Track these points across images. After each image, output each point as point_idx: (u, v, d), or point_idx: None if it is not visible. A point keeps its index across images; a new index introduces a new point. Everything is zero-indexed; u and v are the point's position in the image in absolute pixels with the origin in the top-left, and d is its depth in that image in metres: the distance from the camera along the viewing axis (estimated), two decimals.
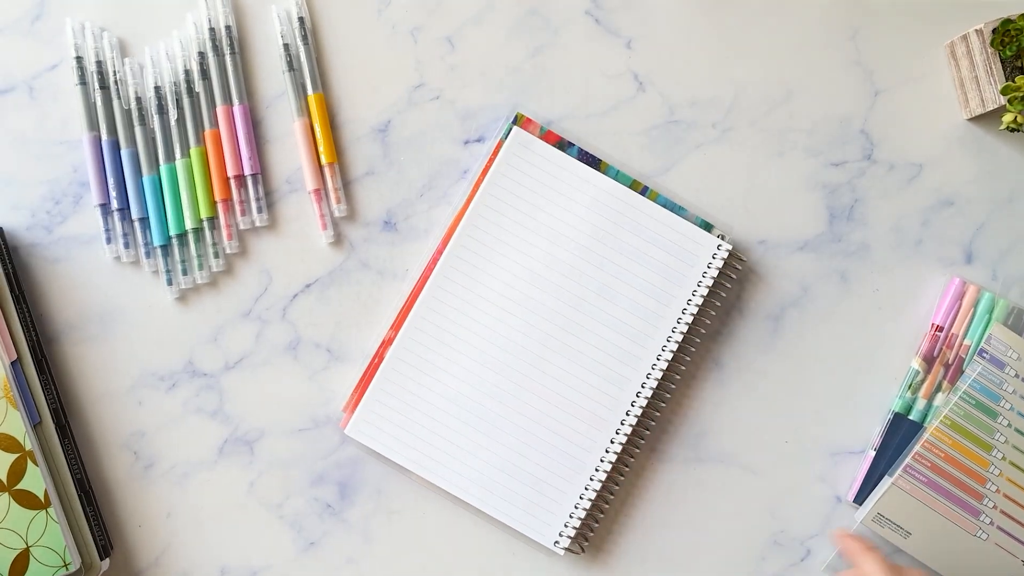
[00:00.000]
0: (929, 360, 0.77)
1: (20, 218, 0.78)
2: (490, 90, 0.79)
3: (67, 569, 0.71)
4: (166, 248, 0.78)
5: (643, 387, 0.77)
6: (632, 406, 0.77)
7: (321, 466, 0.78)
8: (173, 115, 0.78)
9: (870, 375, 0.79)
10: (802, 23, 0.80)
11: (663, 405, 0.78)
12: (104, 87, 0.78)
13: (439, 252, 0.78)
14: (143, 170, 0.78)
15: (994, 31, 0.74)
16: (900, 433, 0.77)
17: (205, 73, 0.78)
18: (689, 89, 0.80)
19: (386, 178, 0.79)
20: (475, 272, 0.77)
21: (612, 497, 0.78)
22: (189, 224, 0.78)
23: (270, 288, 0.79)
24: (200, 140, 0.78)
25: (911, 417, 0.77)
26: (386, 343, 0.77)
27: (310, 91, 0.78)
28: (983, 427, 0.75)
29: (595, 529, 0.78)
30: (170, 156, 0.78)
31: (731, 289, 0.79)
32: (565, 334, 0.77)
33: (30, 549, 0.71)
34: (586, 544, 0.78)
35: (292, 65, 0.79)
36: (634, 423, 0.77)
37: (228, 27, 0.78)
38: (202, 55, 0.78)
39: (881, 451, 0.77)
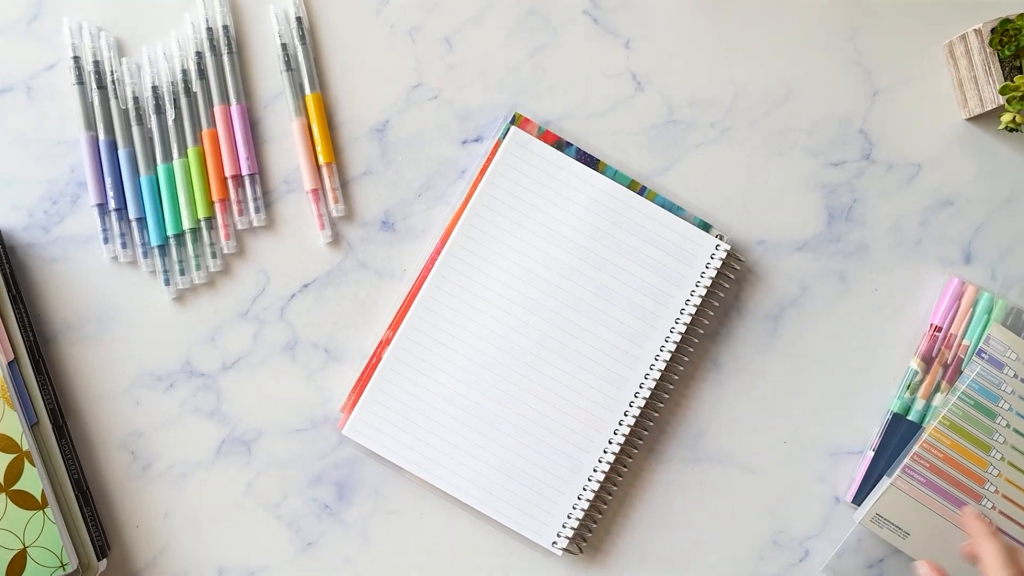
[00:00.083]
0: (928, 360, 0.77)
1: (18, 218, 0.78)
2: (488, 90, 0.79)
3: (64, 570, 0.71)
4: (164, 248, 0.78)
5: (641, 387, 0.77)
6: (630, 406, 0.77)
7: (319, 466, 0.78)
8: (171, 115, 0.78)
9: (869, 375, 0.79)
10: (802, 23, 0.80)
11: (661, 405, 0.78)
12: (102, 87, 0.78)
13: (437, 252, 0.78)
14: (141, 170, 0.78)
15: (993, 31, 0.74)
16: (899, 433, 0.77)
17: (203, 73, 0.78)
18: (688, 89, 0.80)
19: (384, 178, 0.79)
20: (473, 272, 0.77)
21: (610, 497, 0.78)
22: (187, 224, 0.78)
23: (268, 288, 0.79)
24: (198, 140, 0.78)
25: (910, 417, 0.77)
26: (384, 343, 0.77)
27: (308, 91, 0.78)
28: (982, 428, 0.75)
29: (593, 529, 0.78)
30: (168, 156, 0.78)
31: (729, 289, 0.79)
32: (563, 334, 0.77)
33: (27, 550, 0.71)
34: (584, 544, 0.78)
35: (290, 65, 0.78)
36: (632, 423, 0.77)
37: (226, 27, 0.78)
38: (200, 55, 0.78)
39: (880, 451, 0.77)
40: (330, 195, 0.78)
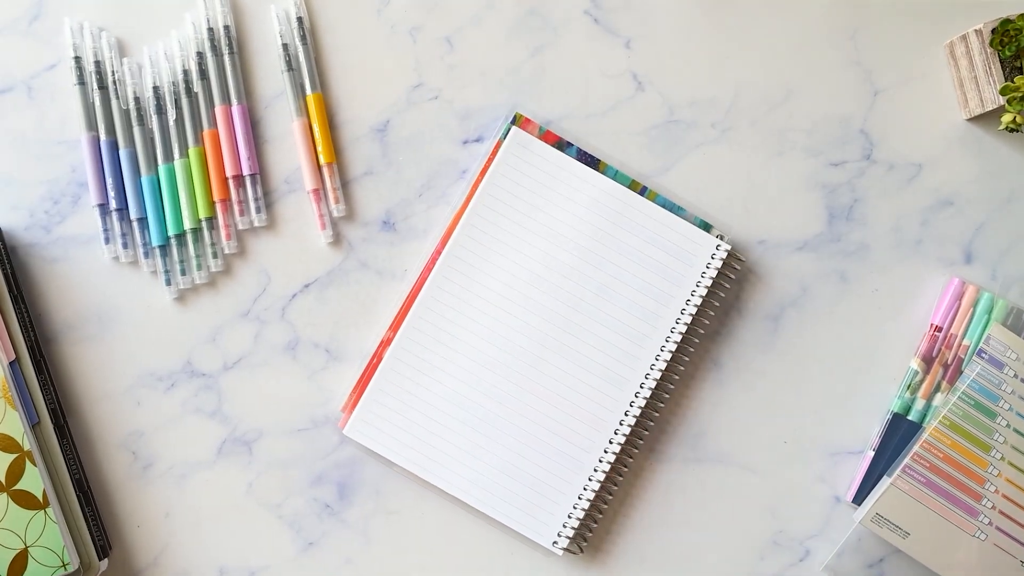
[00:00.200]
0: (928, 360, 0.77)
1: (19, 218, 0.78)
2: (489, 90, 0.79)
3: (65, 569, 0.71)
4: (165, 248, 0.78)
5: (642, 387, 0.77)
6: (631, 406, 0.77)
7: (320, 466, 0.78)
8: (172, 115, 0.78)
9: (869, 375, 0.79)
10: (802, 23, 0.80)
11: (662, 405, 0.78)
12: (103, 87, 0.78)
13: (438, 252, 0.78)
14: (142, 170, 0.78)
15: (993, 31, 0.74)
16: (899, 433, 0.77)
17: (204, 73, 0.78)
18: (689, 89, 0.80)
19: (385, 178, 0.79)
20: (473, 272, 0.77)
21: (611, 497, 0.78)
22: (188, 224, 0.78)
23: (269, 288, 0.79)
24: (199, 140, 0.78)
25: (910, 417, 0.77)
26: (385, 343, 0.77)
27: (309, 91, 0.78)
28: (982, 427, 0.75)
29: (594, 529, 0.78)
30: (169, 156, 0.78)
31: (730, 289, 0.79)
32: (564, 334, 0.77)
33: (28, 549, 0.71)
34: (584, 544, 0.78)
35: (291, 65, 0.78)
36: (633, 423, 0.77)
37: (227, 27, 0.78)
38: (201, 55, 0.78)
39: (880, 451, 0.77)
40: (331, 195, 0.78)
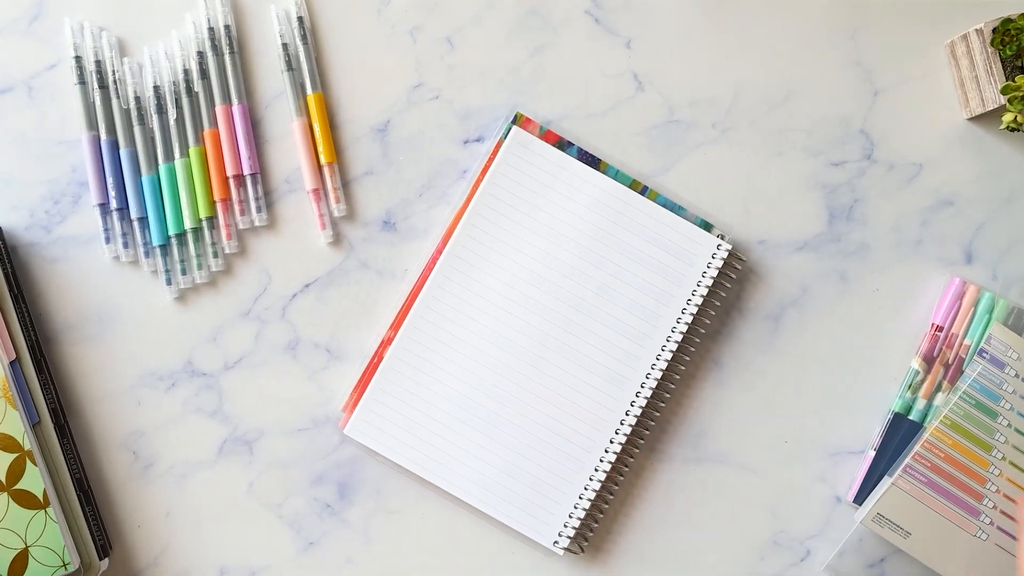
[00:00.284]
0: (929, 360, 0.77)
1: (19, 218, 0.78)
2: (489, 90, 0.79)
3: (66, 569, 0.71)
4: (165, 248, 0.78)
5: (643, 387, 0.77)
6: (632, 406, 0.77)
7: (320, 466, 0.78)
8: (172, 115, 0.78)
9: (870, 375, 0.79)
10: (802, 23, 0.80)
11: (663, 405, 0.78)
12: (103, 87, 0.78)
13: (438, 252, 0.78)
14: (142, 170, 0.78)
15: (994, 31, 0.74)
16: (900, 433, 0.77)
17: (204, 73, 0.78)
18: (689, 89, 0.80)
19: (385, 178, 0.79)
20: (474, 272, 0.77)
21: (611, 497, 0.78)
22: (188, 224, 0.78)
23: (269, 288, 0.79)
24: (199, 140, 0.78)
25: (911, 417, 0.77)
26: (385, 343, 0.77)
27: (309, 91, 0.78)
28: (983, 427, 0.75)
29: (594, 529, 0.78)
30: (169, 156, 0.78)
31: (731, 289, 0.79)
32: (564, 334, 0.77)
33: (29, 549, 0.71)
34: (585, 544, 0.78)
35: (291, 65, 0.78)
36: (634, 423, 0.77)
37: (227, 27, 0.78)
38: (201, 55, 0.78)
39: (881, 451, 0.77)
40: (331, 195, 0.78)
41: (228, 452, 0.78)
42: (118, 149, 0.78)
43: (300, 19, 0.78)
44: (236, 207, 0.78)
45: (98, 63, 0.77)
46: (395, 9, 0.79)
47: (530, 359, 0.77)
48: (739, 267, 0.78)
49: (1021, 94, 0.72)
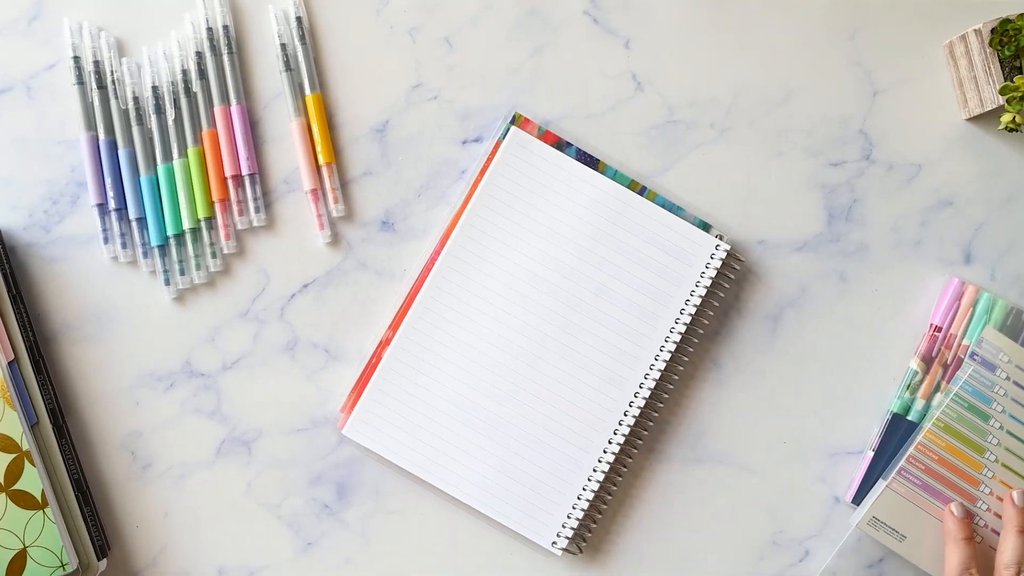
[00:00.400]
0: (928, 360, 0.77)
1: (18, 218, 0.78)
2: (488, 90, 0.79)
3: (64, 569, 0.71)
4: (164, 248, 0.78)
5: (641, 387, 0.77)
6: (630, 406, 0.77)
7: (319, 466, 0.78)
8: (171, 115, 0.78)
9: (869, 375, 0.79)
10: (802, 23, 0.80)
11: (661, 405, 0.78)
12: (102, 87, 0.78)
13: (437, 252, 0.78)
14: (141, 170, 0.78)
15: (993, 31, 0.74)
16: (899, 433, 0.77)
17: (203, 73, 0.78)
18: (688, 89, 0.80)
19: (384, 178, 0.79)
20: (473, 272, 0.77)
21: (610, 497, 0.78)
22: (187, 224, 0.78)
23: (268, 288, 0.79)
24: (198, 140, 0.78)
25: (909, 417, 0.77)
26: (384, 343, 0.77)
27: (308, 91, 0.78)
28: (975, 429, 0.75)
29: (593, 529, 0.78)
30: (168, 156, 0.78)
31: (729, 289, 0.79)
32: (563, 334, 0.77)
33: (27, 549, 0.71)
34: (584, 544, 0.78)
35: (290, 65, 0.78)
36: (632, 423, 0.77)
37: (226, 27, 0.78)
38: (200, 55, 0.78)
39: (880, 451, 0.77)
40: (330, 195, 0.78)
41: (226, 452, 0.78)
42: (117, 149, 0.78)
43: (299, 19, 0.78)
44: (234, 207, 0.78)
45: (97, 63, 0.77)
46: (394, 9, 0.79)
47: (529, 359, 0.77)
48: (738, 267, 0.78)
49: (1019, 94, 0.72)
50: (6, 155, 0.78)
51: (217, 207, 0.78)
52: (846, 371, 0.79)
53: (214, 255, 0.78)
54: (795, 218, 0.79)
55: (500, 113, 0.79)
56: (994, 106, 0.75)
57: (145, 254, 0.78)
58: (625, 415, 0.77)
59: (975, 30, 0.75)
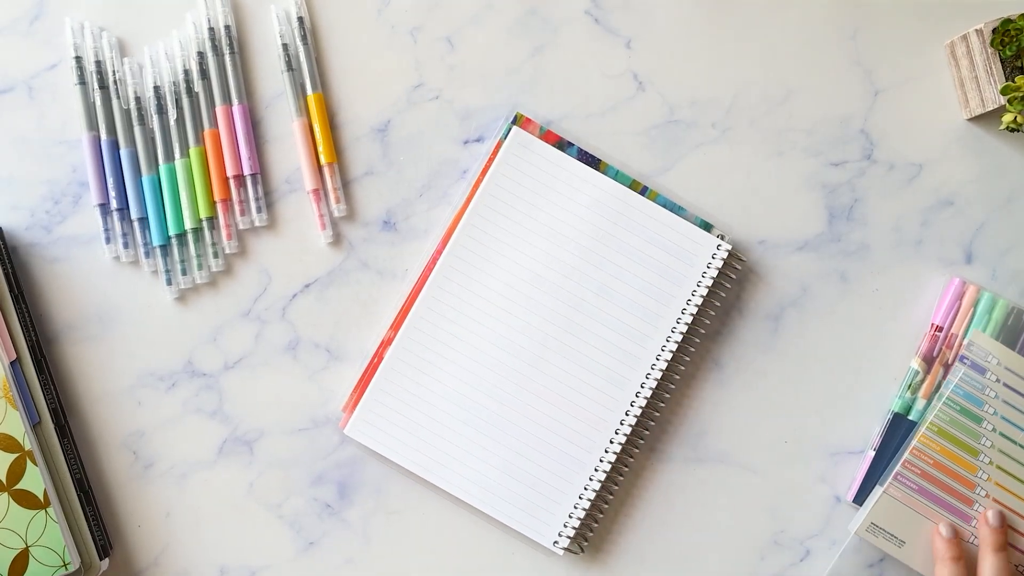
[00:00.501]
0: (929, 360, 0.77)
1: (19, 218, 0.78)
2: (489, 90, 0.79)
3: (66, 569, 0.71)
4: (165, 248, 0.78)
5: (642, 387, 0.77)
6: (631, 406, 0.77)
7: (320, 466, 0.78)
8: (172, 115, 0.78)
9: (870, 375, 0.79)
10: (802, 23, 0.80)
11: (663, 405, 0.78)
12: (103, 87, 0.78)
13: (438, 252, 0.78)
14: (142, 170, 0.78)
15: (994, 31, 0.74)
16: (900, 433, 0.77)
17: (204, 73, 0.78)
18: (689, 89, 0.80)
19: (385, 178, 0.79)
20: (474, 272, 0.77)
21: (611, 497, 0.78)
22: (188, 224, 0.78)
23: (269, 288, 0.79)
24: (199, 140, 0.78)
25: (911, 417, 0.77)
26: (385, 343, 0.77)
27: (309, 91, 0.78)
28: (969, 432, 0.75)
29: (594, 529, 0.78)
30: (169, 156, 0.78)
31: (731, 289, 0.79)
32: (565, 334, 0.77)
33: (29, 549, 0.71)
34: (585, 544, 0.78)
35: (291, 65, 0.78)
36: (633, 423, 0.77)
37: (227, 27, 0.78)
38: (201, 55, 0.78)
39: (881, 451, 0.77)
40: (331, 195, 0.78)
41: (228, 452, 0.78)
42: (118, 149, 0.78)
43: (300, 19, 0.78)
44: (236, 207, 0.78)
45: (98, 63, 0.77)
46: (395, 9, 0.79)
47: (530, 359, 0.77)
48: (739, 267, 0.78)
49: (1021, 94, 0.72)
50: (8, 155, 0.78)
51: (219, 207, 0.78)
52: (847, 371, 0.79)
53: (216, 255, 0.78)
54: (796, 218, 0.79)
55: (501, 113, 0.79)
56: (995, 106, 0.75)
57: (147, 254, 0.78)
58: (627, 415, 0.77)
59: (976, 30, 0.75)
